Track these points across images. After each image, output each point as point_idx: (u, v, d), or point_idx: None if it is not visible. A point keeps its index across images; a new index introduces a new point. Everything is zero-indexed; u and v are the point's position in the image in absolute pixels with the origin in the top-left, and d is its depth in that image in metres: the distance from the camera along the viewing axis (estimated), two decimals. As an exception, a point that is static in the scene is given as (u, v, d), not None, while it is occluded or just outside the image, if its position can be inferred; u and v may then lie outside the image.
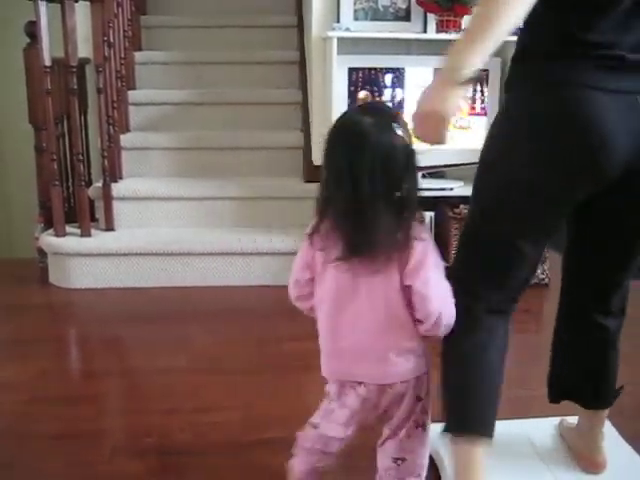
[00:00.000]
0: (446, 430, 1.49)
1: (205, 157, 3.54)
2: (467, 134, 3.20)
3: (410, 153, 1.25)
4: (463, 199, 3.12)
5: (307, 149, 3.42)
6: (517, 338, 2.71)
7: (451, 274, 1.39)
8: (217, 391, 2.19)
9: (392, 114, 1.30)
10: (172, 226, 3.31)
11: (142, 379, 2.31)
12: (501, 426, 1.94)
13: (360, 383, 1.37)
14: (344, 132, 1.26)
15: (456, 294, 1.36)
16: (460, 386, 1.48)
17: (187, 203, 3.31)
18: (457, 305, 1.36)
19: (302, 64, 3.75)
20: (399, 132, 1.24)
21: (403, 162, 1.24)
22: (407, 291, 1.30)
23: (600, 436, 1.70)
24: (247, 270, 3.15)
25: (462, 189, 3.15)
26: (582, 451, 1.73)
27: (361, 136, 1.21)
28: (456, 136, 3.17)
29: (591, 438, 1.70)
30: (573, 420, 1.82)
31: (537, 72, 1.32)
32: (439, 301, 1.30)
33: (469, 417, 1.48)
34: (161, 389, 2.22)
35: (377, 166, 1.21)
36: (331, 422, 1.43)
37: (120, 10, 3.50)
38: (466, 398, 1.47)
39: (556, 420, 1.91)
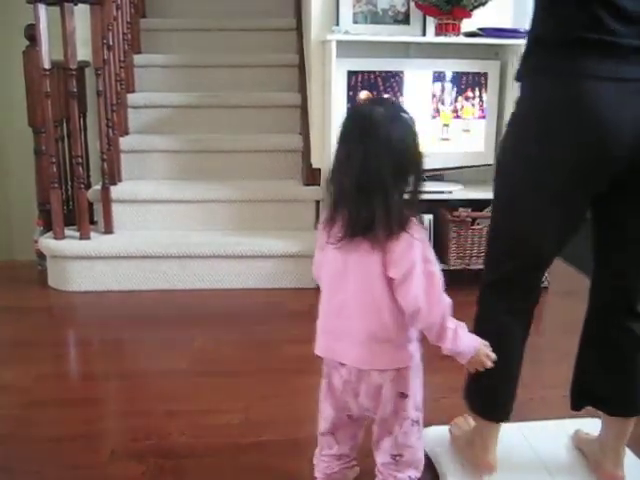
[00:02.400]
0: (477, 412, 1.65)
1: (204, 160, 3.54)
2: (466, 137, 3.20)
3: (417, 144, 1.31)
4: (462, 202, 3.12)
5: (306, 152, 3.43)
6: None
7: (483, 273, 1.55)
8: (216, 394, 2.19)
9: (400, 105, 1.36)
10: (171, 229, 3.31)
11: (141, 382, 2.31)
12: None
13: (342, 364, 1.41)
14: (356, 121, 1.31)
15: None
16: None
17: (186, 206, 3.32)
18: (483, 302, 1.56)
19: (301, 67, 3.75)
20: (408, 122, 1.30)
21: (411, 152, 1.30)
22: (391, 281, 1.32)
23: (623, 449, 1.65)
24: (247, 273, 3.15)
25: (461, 192, 3.15)
26: (603, 464, 1.66)
27: (372, 124, 1.27)
28: (455, 139, 3.18)
29: (614, 450, 1.64)
30: (589, 430, 1.79)
31: (543, 66, 1.36)
32: (419, 297, 1.30)
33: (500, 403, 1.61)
34: (160, 392, 2.22)
35: (386, 152, 1.26)
36: (324, 401, 1.49)
37: (119, 13, 3.50)
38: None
39: (555, 423, 1.91)
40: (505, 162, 1.49)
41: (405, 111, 1.33)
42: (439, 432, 1.90)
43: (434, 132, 3.14)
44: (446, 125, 3.16)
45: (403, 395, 1.42)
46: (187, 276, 3.13)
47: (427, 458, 1.80)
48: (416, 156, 1.31)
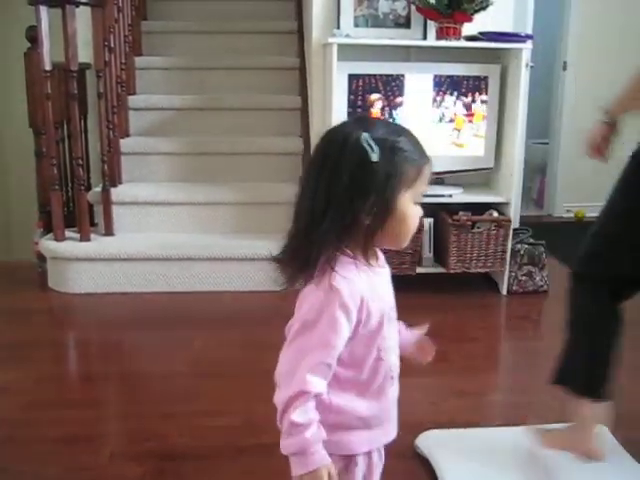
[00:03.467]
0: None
1: (205, 162, 3.54)
2: (475, 141, 3.20)
3: (371, 172, 1.01)
4: (462, 206, 3.13)
5: (306, 155, 3.43)
6: (515, 345, 2.74)
7: None
8: (217, 395, 2.19)
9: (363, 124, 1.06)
10: (171, 231, 3.31)
11: (141, 383, 2.31)
12: (498, 433, 1.96)
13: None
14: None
15: None
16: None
17: (186, 208, 3.32)
18: None
19: (302, 70, 3.76)
20: (369, 148, 1.01)
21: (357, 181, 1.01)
22: None
23: (593, 427, 1.75)
24: (246, 275, 3.15)
25: (461, 196, 3.15)
26: (576, 444, 1.76)
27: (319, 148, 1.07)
28: (468, 141, 3.18)
29: (585, 430, 1.76)
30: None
31: None
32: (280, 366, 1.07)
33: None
34: (160, 393, 2.22)
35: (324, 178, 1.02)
36: None
37: (121, 15, 3.51)
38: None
39: (557, 427, 1.92)
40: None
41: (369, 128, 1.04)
42: (437, 435, 1.90)
43: (439, 136, 3.14)
44: (457, 129, 3.16)
45: None
46: (187, 278, 3.13)
47: (426, 462, 1.81)
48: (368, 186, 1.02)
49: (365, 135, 1.02)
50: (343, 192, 1.01)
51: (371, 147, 1.01)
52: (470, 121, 3.16)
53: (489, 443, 1.88)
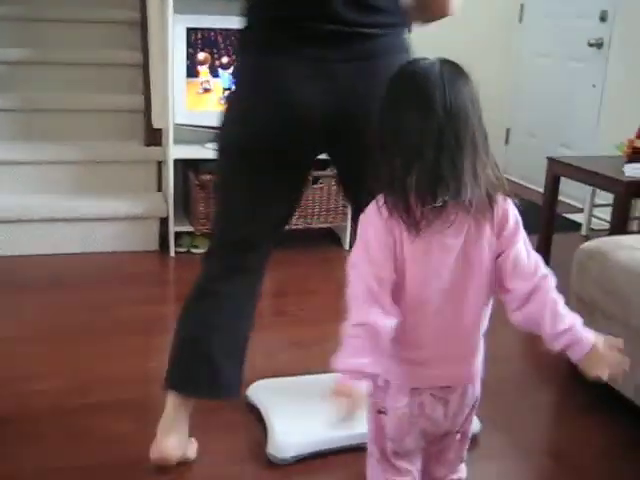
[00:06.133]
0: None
1: (42, 120, 3.36)
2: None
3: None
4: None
5: (147, 112, 3.33)
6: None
7: None
8: (43, 359, 2.12)
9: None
10: (6, 192, 3.13)
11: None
12: (322, 378, 2.01)
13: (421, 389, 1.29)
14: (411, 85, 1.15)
15: None
16: None
17: (23, 168, 3.14)
18: None
19: (144, 25, 3.62)
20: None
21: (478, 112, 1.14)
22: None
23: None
24: (86, 237, 3.05)
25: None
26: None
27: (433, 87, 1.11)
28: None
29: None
30: None
31: (245, 41, 1.59)
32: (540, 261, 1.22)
33: None
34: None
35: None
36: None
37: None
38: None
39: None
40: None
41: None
42: (265, 384, 1.93)
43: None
44: None
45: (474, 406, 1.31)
46: (23, 240, 2.98)
47: (256, 411, 1.84)
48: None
49: None
50: None
51: None
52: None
53: (313, 388, 1.94)
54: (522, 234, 1.19)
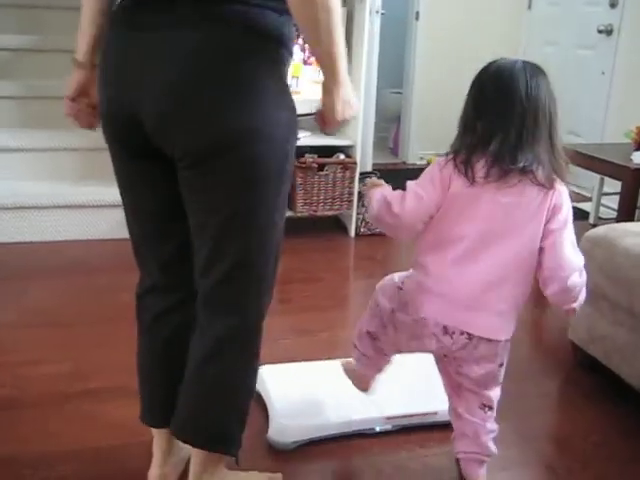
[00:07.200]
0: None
1: (46, 106, 3.35)
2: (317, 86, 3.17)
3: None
4: (309, 149, 3.14)
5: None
6: (359, 284, 2.82)
7: None
8: (46, 344, 2.12)
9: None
10: (9, 178, 3.13)
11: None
12: (324, 365, 2.00)
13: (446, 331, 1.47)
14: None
15: None
16: None
17: (26, 154, 3.15)
18: None
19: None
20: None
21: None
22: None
23: None
24: (89, 223, 3.05)
25: (308, 139, 3.15)
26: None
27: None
28: (306, 88, 3.15)
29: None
30: None
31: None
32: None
33: None
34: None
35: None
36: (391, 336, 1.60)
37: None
38: None
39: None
40: None
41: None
42: (267, 370, 1.92)
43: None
44: (296, 77, 3.11)
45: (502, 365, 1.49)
46: (26, 228, 2.99)
47: (258, 397, 1.84)
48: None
49: None
50: None
51: None
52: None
53: (317, 375, 1.94)
54: (569, 227, 1.36)
